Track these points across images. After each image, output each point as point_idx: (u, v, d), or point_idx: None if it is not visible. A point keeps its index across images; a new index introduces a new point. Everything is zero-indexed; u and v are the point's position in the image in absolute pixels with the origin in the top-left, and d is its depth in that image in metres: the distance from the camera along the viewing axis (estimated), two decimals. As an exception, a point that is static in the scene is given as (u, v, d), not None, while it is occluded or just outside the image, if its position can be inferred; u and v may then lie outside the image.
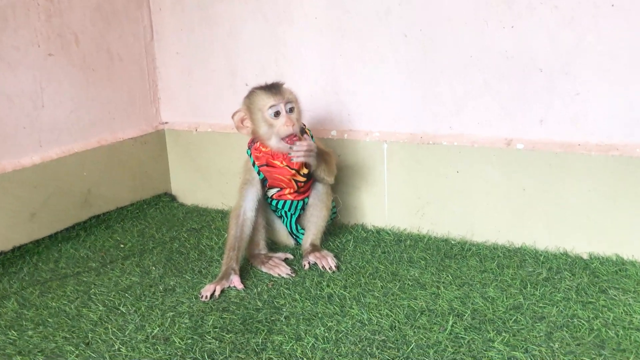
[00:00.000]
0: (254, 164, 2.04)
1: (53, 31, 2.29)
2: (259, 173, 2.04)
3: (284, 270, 1.97)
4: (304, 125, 2.06)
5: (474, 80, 2.07)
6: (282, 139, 1.91)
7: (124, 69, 2.60)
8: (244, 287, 1.88)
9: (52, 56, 2.30)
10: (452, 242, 2.15)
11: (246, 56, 2.51)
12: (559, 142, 1.97)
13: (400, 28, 2.15)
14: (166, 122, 2.81)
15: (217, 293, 1.84)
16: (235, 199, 2.07)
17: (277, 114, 1.90)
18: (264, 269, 2.00)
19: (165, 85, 2.77)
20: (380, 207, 2.32)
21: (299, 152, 1.90)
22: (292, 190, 2.07)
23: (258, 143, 2.01)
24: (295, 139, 1.90)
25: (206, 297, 1.81)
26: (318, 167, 2.00)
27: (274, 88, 1.92)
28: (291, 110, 1.92)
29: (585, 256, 1.96)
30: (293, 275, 1.95)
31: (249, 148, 2.06)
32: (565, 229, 2.00)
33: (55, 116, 2.34)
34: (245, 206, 2.03)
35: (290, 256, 2.10)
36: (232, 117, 1.98)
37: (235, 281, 1.90)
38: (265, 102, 1.89)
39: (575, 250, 1.99)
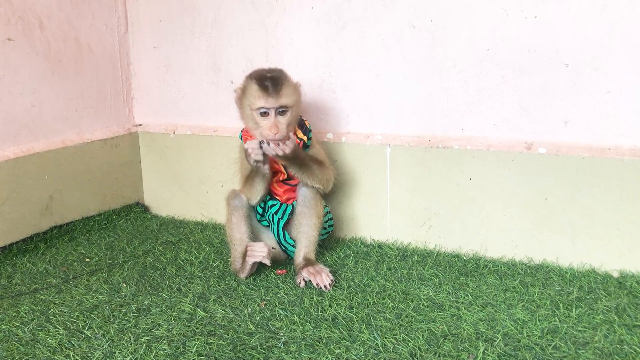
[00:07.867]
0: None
1: (14, 13, 2.07)
2: None
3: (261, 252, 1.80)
4: (304, 120, 1.91)
5: (491, 76, 1.89)
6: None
7: (94, 62, 2.35)
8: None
9: (12, 41, 2.07)
10: (464, 257, 1.93)
11: (232, 50, 2.28)
12: (587, 146, 1.81)
13: (407, 17, 1.96)
14: (140, 124, 2.55)
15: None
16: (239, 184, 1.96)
17: (264, 114, 1.76)
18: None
19: (140, 82, 2.52)
20: (381, 219, 2.10)
21: (269, 149, 1.71)
22: (282, 178, 1.89)
23: None
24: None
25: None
26: (291, 168, 1.80)
27: (271, 85, 1.74)
28: (282, 112, 1.76)
29: (615, 274, 1.77)
30: (273, 250, 1.86)
31: (242, 131, 1.94)
32: (593, 242, 1.83)
33: (13, 110, 2.11)
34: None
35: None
36: (234, 91, 1.86)
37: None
38: (255, 101, 1.75)
39: (604, 267, 1.81)
